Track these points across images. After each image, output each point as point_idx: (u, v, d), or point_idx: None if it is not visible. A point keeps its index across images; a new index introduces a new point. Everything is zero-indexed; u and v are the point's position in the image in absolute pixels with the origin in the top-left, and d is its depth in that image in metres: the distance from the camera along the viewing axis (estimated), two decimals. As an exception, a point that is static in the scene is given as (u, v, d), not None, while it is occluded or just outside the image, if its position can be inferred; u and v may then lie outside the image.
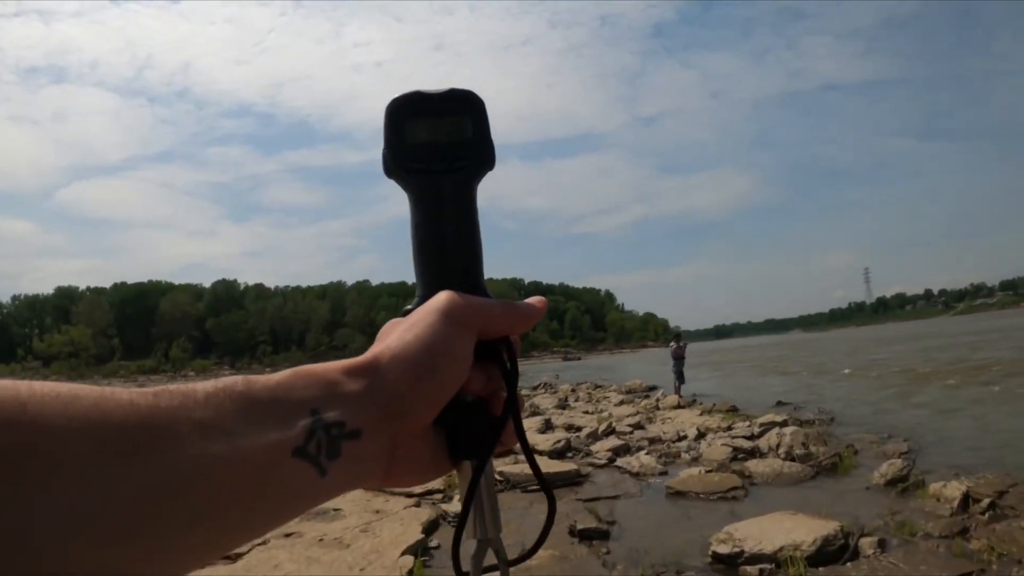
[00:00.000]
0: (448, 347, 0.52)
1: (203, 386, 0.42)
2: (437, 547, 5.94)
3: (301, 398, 0.46)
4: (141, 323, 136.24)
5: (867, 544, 5.12)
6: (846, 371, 26.13)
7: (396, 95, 0.63)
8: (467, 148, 0.63)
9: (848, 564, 4.89)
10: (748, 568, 4.88)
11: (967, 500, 5.88)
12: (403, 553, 5.48)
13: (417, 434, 0.52)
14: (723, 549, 5.09)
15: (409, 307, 0.58)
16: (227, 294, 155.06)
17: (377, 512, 6.83)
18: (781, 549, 4.89)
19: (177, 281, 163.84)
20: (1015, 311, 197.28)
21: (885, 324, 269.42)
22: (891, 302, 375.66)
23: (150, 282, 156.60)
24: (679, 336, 22.38)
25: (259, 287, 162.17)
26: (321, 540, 5.94)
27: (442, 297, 0.54)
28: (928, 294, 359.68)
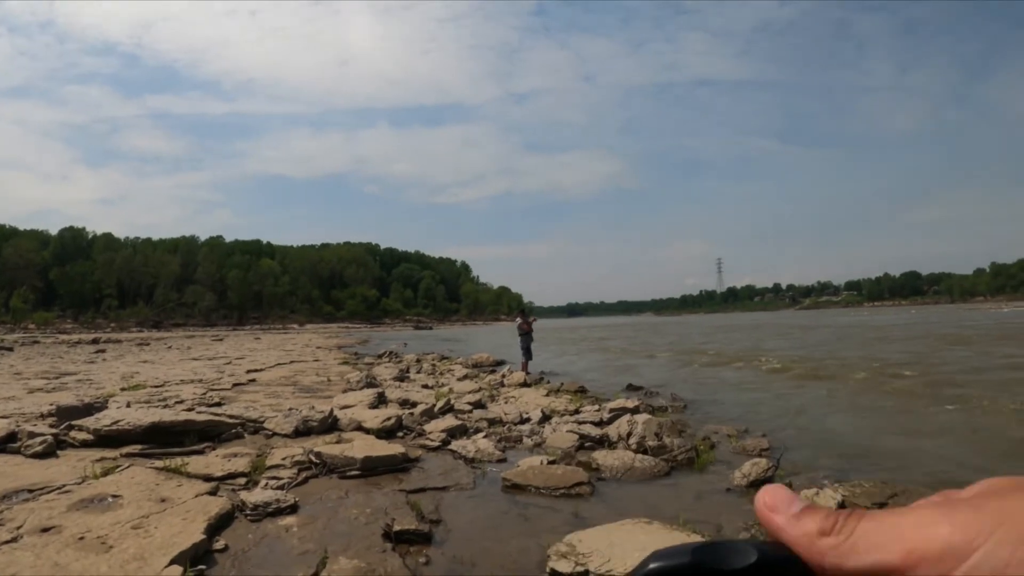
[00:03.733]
0: None
1: None
2: (224, 549, 4.75)
3: None
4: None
5: (733, 564, 4.47)
6: (708, 353, 26.46)
7: (660, 554, 0.43)
8: None
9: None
10: (592, 592, 4.10)
11: (840, 511, 5.38)
12: (171, 562, 4.34)
13: None
14: (563, 567, 4.27)
15: None
16: (74, 243, 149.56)
17: (163, 501, 5.62)
18: (634, 569, 4.13)
19: (23, 227, 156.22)
20: (856, 310, 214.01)
21: (734, 313, 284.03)
22: (741, 292, 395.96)
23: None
24: (524, 311, 21.81)
25: (108, 237, 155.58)
26: (82, 539, 4.71)
27: None
28: (777, 288, 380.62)
